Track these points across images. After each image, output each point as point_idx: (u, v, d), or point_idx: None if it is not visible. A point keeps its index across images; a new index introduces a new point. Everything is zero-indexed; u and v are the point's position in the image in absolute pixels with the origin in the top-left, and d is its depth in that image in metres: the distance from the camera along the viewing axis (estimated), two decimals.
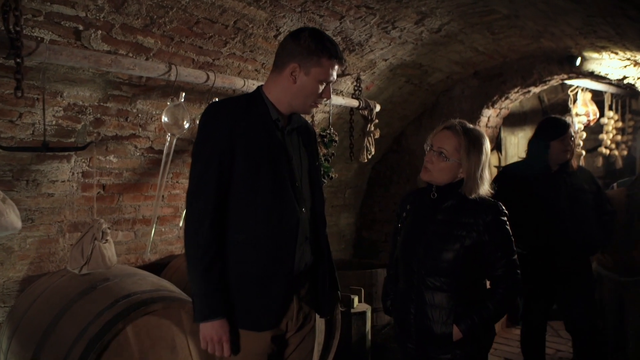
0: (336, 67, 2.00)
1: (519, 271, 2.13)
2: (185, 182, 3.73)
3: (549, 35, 3.80)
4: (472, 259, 2.11)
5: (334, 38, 3.37)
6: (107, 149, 3.19)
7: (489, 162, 2.22)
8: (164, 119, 2.70)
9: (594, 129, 6.47)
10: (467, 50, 4.17)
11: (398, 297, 2.29)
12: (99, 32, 2.55)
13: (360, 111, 4.15)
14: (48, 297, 2.62)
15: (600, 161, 6.28)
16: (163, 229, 3.80)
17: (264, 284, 1.95)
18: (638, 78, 4.19)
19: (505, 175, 3.56)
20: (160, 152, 3.25)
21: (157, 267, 3.73)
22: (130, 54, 2.75)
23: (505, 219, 2.14)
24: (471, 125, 2.20)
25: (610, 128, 6.17)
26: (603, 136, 6.20)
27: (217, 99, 3.06)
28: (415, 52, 3.96)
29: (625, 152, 6.33)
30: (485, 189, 2.16)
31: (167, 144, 2.85)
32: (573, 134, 3.32)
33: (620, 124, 6.33)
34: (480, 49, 4.21)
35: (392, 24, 3.36)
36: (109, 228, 2.66)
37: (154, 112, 3.19)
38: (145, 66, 2.59)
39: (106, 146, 3.17)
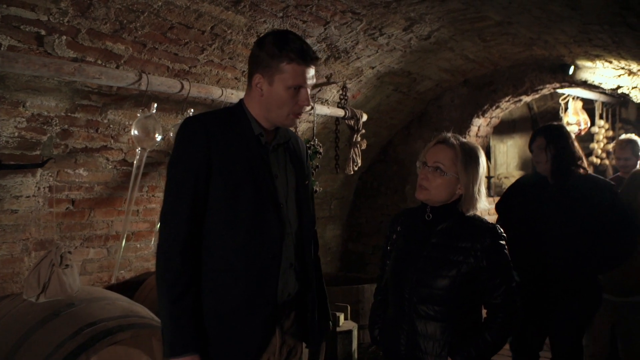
0: (305, 69, 1.79)
1: (518, 299, 1.96)
2: (161, 196, 3.52)
3: (542, 43, 3.67)
4: (469, 286, 1.93)
5: (318, 45, 3.25)
6: (77, 162, 2.99)
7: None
8: (134, 131, 2.51)
9: (585, 138, 6.38)
10: (457, 57, 4.03)
11: (387, 326, 2.11)
12: (64, 37, 2.36)
13: (346, 121, 3.98)
14: (5, 325, 2.41)
15: (591, 170, 6.17)
16: (138, 245, 3.60)
17: (242, 316, 1.77)
18: (632, 87, 4.08)
19: (509, 192, 3.30)
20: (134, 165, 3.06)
21: (131, 286, 3.54)
22: (99, 61, 2.56)
23: (504, 242, 1.98)
24: (464, 139, 2.05)
25: (601, 137, 6.09)
26: (594, 145, 6.12)
27: (192, 110, 2.89)
28: (404, 60, 3.81)
29: (614, 162, 6.23)
30: (483, 204, 2.00)
31: (137, 157, 2.65)
32: (556, 140, 2.97)
33: (610, 133, 6.26)
34: (471, 57, 4.08)
35: (379, 31, 3.21)
36: (69, 252, 2.45)
37: (127, 123, 3.00)
38: (113, 75, 2.40)
39: (75, 159, 2.97)
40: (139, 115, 2.59)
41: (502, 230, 1.99)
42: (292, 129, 2.33)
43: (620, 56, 3.61)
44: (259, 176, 1.79)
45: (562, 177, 2.92)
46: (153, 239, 3.42)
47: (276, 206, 1.83)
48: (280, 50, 1.75)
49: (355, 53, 3.48)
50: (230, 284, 1.76)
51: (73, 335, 2.24)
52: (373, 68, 3.82)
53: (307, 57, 1.78)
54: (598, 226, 2.80)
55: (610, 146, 6.21)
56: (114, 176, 3.20)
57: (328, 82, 3.74)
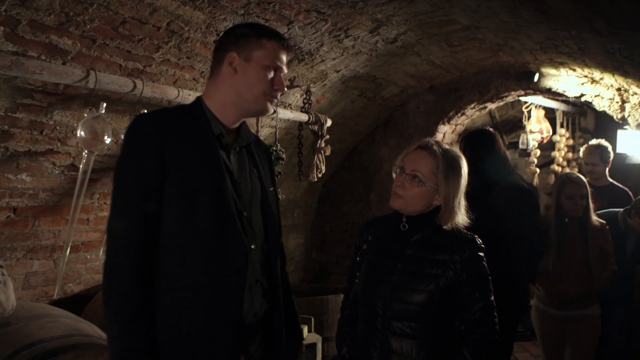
0: (283, 52, 1.69)
1: (496, 314, 1.86)
2: None
3: (509, 49, 3.64)
4: (447, 301, 1.81)
5: None
6: (18, 167, 2.76)
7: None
8: (80, 133, 2.31)
9: (546, 147, 6.46)
10: (423, 63, 3.97)
11: (357, 343, 1.97)
12: (1, 28, 2.15)
13: (310, 126, 3.86)
14: None
15: (552, 178, 6.25)
16: (89, 256, 3.38)
17: (202, 341, 1.58)
18: (595, 96, 4.10)
19: None
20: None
21: (81, 300, 3.31)
22: (44, 57, 2.36)
23: (483, 254, 1.86)
24: (448, 146, 1.92)
25: (562, 145, 6.17)
26: (555, 153, 6.20)
27: (145, 111, 2.71)
28: (370, 64, 3.72)
29: (576, 170, 6.32)
30: (462, 217, 1.88)
31: (84, 161, 2.45)
32: (471, 146, 2.84)
33: (571, 142, 6.36)
34: (437, 62, 4.02)
35: (345, 32, 3.10)
36: (1, 266, 2.22)
37: (75, 125, 2.78)
38: (57, 70, 2.20)
39: (17, 163, 2.74)
40: (85, 115, 2.39)
41: (480, 241, 1.88)
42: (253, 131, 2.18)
43: (584, 64, 3.61)
44: (219, 181, 1.61)
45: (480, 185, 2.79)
46: (102, 248, 3.20)
47: (240, 215, 1.65)
48: (259, 29, 1.67)
49: (320, 55, 3.36)
50: (189, 304, 1.57)
51: (8, 359, 2.03)
52: (338, 72, 3.72)
53: (284, 39, 1.70)
54: (502, 238, 2.60)
55: (581, 152, 6.30)
56: (61, 182, 2.98)
57: (291, 86, 3.61)
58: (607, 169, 4.09)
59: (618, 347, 3.67)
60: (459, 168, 1.86)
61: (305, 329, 3.77)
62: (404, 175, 1.86)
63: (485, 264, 1.86)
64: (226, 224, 1.60)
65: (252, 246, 1.67)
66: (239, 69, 1.65)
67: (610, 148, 4.67)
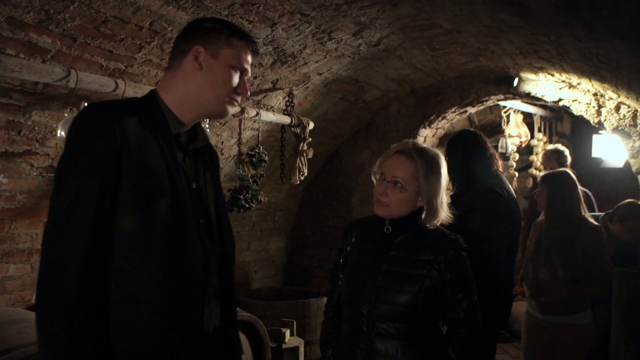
0: (250, 55, 1.60)
1: (479, 313, 1.87)
2: None
3: (489, 53, 3.68)
4: (432, 301, 1.82)
5: (265, 47, 3.09)
6: None
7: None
8: (61, 133, 2.27)
9: (524, 151, 6.55)
10: (405, 66, 3.99)
11: (341, 345, 1.96)
12: None
13: (292, 129, 3.85)
14: None
15: (530, 182, 6.34)
16: None
17: (162, 358, 1.44)
18: (572, 100, 4.16)
19: None
20: None
21: None
22: (22, 54, 2.31)
23: (466, 254, 1.88)
24: (424, 145, 1.93)
25: (539, 149, 6.25)
26: (533, 157, 6.28)
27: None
28: (352, 67, 3.73)
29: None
30: (444, 214, 1.89)
31: None
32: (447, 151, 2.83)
33: (548, 146, 6.43)
34: (419, 66, 4.05)
35: (328, 35, 3.10)
36: None
37: (55, 125, 2.73)
38: (37, 69, 2.15)
39: None
40: (66, 115, 2.34)
41: (463, 241, 1.89)
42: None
43: (562, 69, 3.67)
44: (177, 185, 1.47)
45: (457, 190, 2.79)
46: None
47: (198, 222, 1.53)
48: (230, 28, 1.57)
49: (303, 58, 3.36)
50: (145, 319, 1.41)
51: None
52: (321, 74, 3.71)
53: (254, 42, 1.61)
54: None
55: (539, 157, 6.42)
56: (39, 184, 2.92)
57: (274, 88, 3.60)
58: None
59: (600, 352, 3.72)
60: (439, 167, 1.87)
61: (287, 333, 3.75)
62: (385, 183, 1.86)
63: (468, 264, 1.87)
64: (184, 232, 1.47)
65: (211, 255, 1.56)
66: (204, 65, 1.53)
67: (567, 152, 4.84)
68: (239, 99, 1.60)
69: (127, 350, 1.40)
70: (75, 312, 1.30)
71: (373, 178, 1.93)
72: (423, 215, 1.87)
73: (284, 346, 3.67)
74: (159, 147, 1.45)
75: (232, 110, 1.65)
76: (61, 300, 1.30)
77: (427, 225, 1.87)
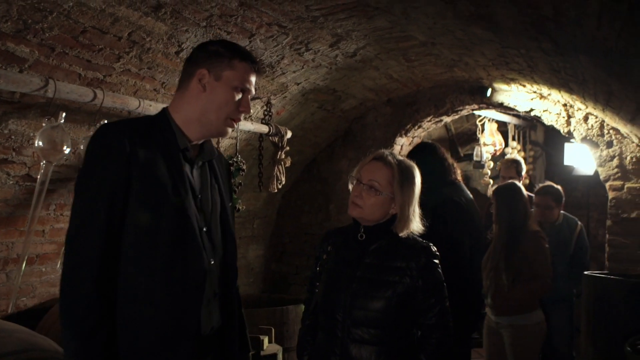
0: (252, 74, 1.71)
1: (450, 319, 1.93)
2: None
3: (463, 64, 3.77)
4: (404, 307, 1.88)
5: None
6: None
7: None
8: (38, 143, 2.28)
9: (498, 159, 6.67)
10: (381, 76, 4.07)
11: (317, 352, 2.00)
12: None
13: (270, 137, 3.89)
14: None
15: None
16: (44, 269, 3.29)
17: (162, 354, 1.58)
18: (543, 110, 4.29)
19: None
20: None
21: (35, 314, 3.21)
22: None
23: (438, 261, 1.94)
24: (401, 157, 2.00)
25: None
26: None
27: (105, 121, 2.68)
28: (329, 77, 3.79)
29: (527, 181, 6.56)
30: (417, 224, 1.95)
31: (42, 171, 2.41)
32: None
33: (522, 154, 6.59)
34: (395, 76, 4.13)
35: (305, 46, 3.15)
36: None
37: (32, 134, 2.73)
38: (14, 79, 2.16)
39: None
40: (44, 125, 2.35)
41: (435, 249, 1.96)
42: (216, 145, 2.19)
43: (533, 80, 3.78)
44: (182, 196, 1.62)
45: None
46: (59, 261, 3.13)
47: (201, 230, 1.67)
48: (233, 49, 1.68)
49: (281, 68, 3.41)
50: (148, 317, 1.58)
51: None
52: (298, 84, 3.77)
53: (256, 62, 1.71)
54: None
55: (497, 167, 6.58)
56: (16, 193, 2.91)
57: (252, 98, 3.63)
58: (521, 182, 4.39)
59: (559, 351, 3.84)
60: (413, 177, 1.94)
61: (265, 340, 3.77)
62: (361, 186, 1.93)
63: (440, 270, 1.94)
64: (187, 239, 1.61)
65: (212, 261, 1.69)
66: (207, 87, 1.65)
67: (522, 162, 5.07)
68: (240, 116, 1.73)
69: (131, 345, 1.56)
70: (89, 311, 1.49)
71: (350, 183, 2.00)
72: (396, 223, 1.93)
73: (262, 353, 3.68)
74: (166, 161, 1.60)
75: (231, 130, 1.76)
76: (76, 301, 1.49)
77: (400, 234, 1.93)
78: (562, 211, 3.92)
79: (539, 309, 3.28)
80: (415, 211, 1.94)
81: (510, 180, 3.74)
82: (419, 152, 3.07)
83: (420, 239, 1.97)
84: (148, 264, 1.57)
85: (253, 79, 1.71)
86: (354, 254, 1.97)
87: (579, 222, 3.86)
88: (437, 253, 1.95)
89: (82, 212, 1.55)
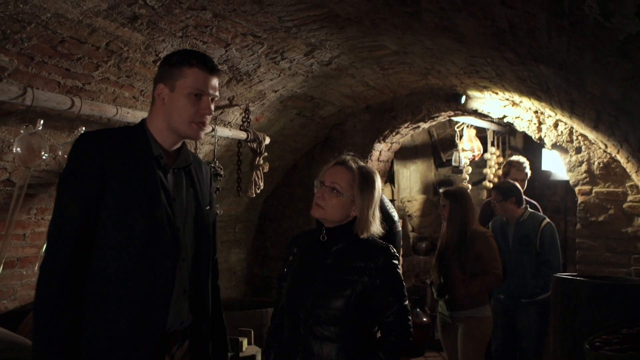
0: (207, 76, 1.78)
1: (410, 317, 2.03)
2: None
3: (436, 72, 3.88)
4: (364, 305, 1.97)
5: (220, 66, 3.20)
6: None
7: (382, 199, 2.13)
8: (17, 149, 2.35)
9: (479, 164, 6.79)
10: (358, 84, 4.17)
11: (282, 349, 2.09)
12: None
13: (249, 144, 3.98)
14: None
15: (484, 194, 6.58)
16: (24, 272, 3.35)
17: (127, 347, 1.68)
18: (516, 117, 4.41)
19: None
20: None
21: (15, 317, 3.26)
22: None
23: (397, 262, 2.04)
24: (362, 162, 2.10)
25: (492, 163, 6.50)
26: (487, 170, 6.53)
27: (84, 128, 2.76)
28: (306, 84, 3.89)
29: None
30: (376, 227, 2.05)
31: (21, 176, 2.48)
32: None
33: (501, 159, 6.70)
34: (371, 84, 4.23)
35: (281, 55, 3.25)
36: None
37: (12, 140, 2.79)
38: None
39: None
40: (22, 131, 2.43)
41: (395, 250, 2.06)
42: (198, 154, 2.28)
43: (504, 88, 3.90)
44: (154, 199, 1.73)
45: None
46: (37, 263, 3.19)
47: (173, 230, 1.77)
48: (183, 58, 1.78)
49: (258, 76, 3.50)
50: (116, 312, 1.68)
51: None
52: (276, 92, 3.86)
53: (208, 64, 1.79)
54: None
55: (501, 171, 6.67)
56: None
57: (230, 105, 3.73)
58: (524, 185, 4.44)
59: (527, 351, 3.94)
60: (373, 182, 2.04)
61: (245, 342, 3.85)
62: (324, 188, 2.03)
63: (399, 270, 2.03)
64: (157, 236, 1.72)
65: (182, 259, 1.79)
66: (166, 100, 1.77)
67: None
68: (205, 119, 1.81)
69: (97, 339, 1.66)
70: (55, 299, 1.61)
71: (315, 187, 2.10)
72: (355, 225, 2.03)
73: (241, 354, 3.76)
74: (139, 167, 1.73)
75: (203, 131, 1.86)
76: (46, 289, 1.63)
77: (361, 236, 2.03)
78: (531, 210, 3.99)
79: (488, 304, 3.57)
80: (375, 214, 2.04)
81: (460, 186, 4.07)
82: None
83: (380, 241, 2.07)
84: (118, 261, 1.69)
85: (210, 81, 1.79)
86: (317, 255, 2.07)
87: (547, 220, 3.88)
88: (397, 254, 2.05)
89: (60, 210, 1.69)
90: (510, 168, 4.50)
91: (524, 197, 3.99)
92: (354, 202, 2.01)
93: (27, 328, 3.10)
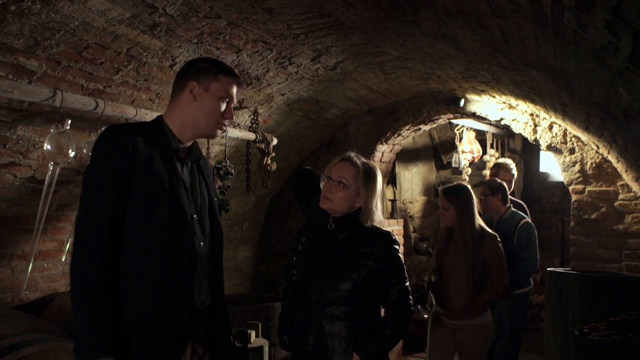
0: (234, 87, 2.01)
1: (411, 297, 2.22)
2: (71, 215, 3.51)
3: (436, 77, 4.07)
4: (369, 287, 2.17)
5: None
6: None
7: (384, 194, 2.33)
8: (47, 146, 2.54)
9: (479, 166, 6.96)
10: (361, 88, 4.35)
11: (295, 330, 2.28)
12: None
13: (257, 144, 4.17)
14: None
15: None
16: (45, 265, 3.53)
17: (158, 322, 1.85)
18: (512, 120, 4.59)
19: None
20: (44, 182, 3.04)
21: (37, 307, 3.43)
22: (10, 76, 2.57)
23: (398, 247, 2.24)
24: (365, 159, 2.31)
25: (492, 164, 6.64)
26: (486, 172, 6.67)
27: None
28: (312, 88, 4.07)
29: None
30: (379, 216, 2.25)
31: (50, 173, 2.67)
32: None
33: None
34: (374, 87, 4.42)
35: (288, 60, 3.44)
36: None
37: (37, 139, 2.99)
38: (27, 90, 2.43)
39: None
40: (52, 130, 2.62)
41: (395, 237, 2.25)
42: (203, 150, 2.47)
43: (501, 92, 4.08)
44: (175, 188, 1.90)
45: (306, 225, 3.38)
46: (64, 255, 3.37)
47: (192, 217, 1.95)
48: (218, 66, 1.98)
49: (266, 80, 3.69)
50: (146, 290, 1.84)
51: None
52: (283, 95, 4.05)
53: (237, 76, 2.01)
54: None
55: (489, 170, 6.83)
56: (21, 193, 3.16)
57: (240, 107, 3.92)
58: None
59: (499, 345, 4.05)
60: (375, 176, 2.24)
61: (252, 334, 4.02)
62: (331, 182, 2.23)
63: (400, 255, 2.24)
64: (180, 223, 1.90)
65: (202, 244, 1.98)
66: (197, 97, 1.95)
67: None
68: (226, 122, 2.04)
69: (131, 315, 1.82)
70: (95, 282, 1.75)
71: (322, 182, 2.30)
72: (360, 214, 2.23)
73: (249, 346, 3.93)
74: (161, 159, 1.89)
75: (220, 132, 2.08)
76: (84, 274, 1.75)
77: (365, 224, 2.23)
78: (514, 209, 4.12)
79: (489, 308, 3.34)
80: (378, 205, 2.24)
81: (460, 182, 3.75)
82: (306, 180, 3.67)
83: (382, 229, 2.27)
84: (146, 245, 1.84)
85: (235, 90, 2.02)
86: (324, 243, 2.27)
87: (525, 220, 3.98)
88: (397, 240, 2.25)
89: (91, 199, 1.81)
90: (499, 169, 4.67)
91: (509, 197, 4.17)
92: (359, 194, 2.20)
93: (49, 316, 3.29)
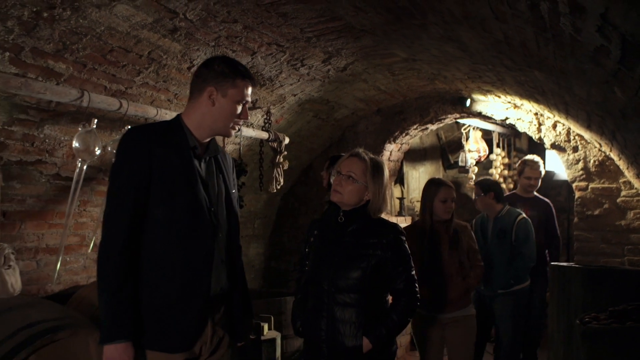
0: (250, 87, 2.14)
1: (417, 285, 2.36)
2: (93, 211, 3.66)
3: (442, 78, 4.19)
4: (377, 275, 2.31)
5: None
6: (10, 174, 3.09)
7: (391, 191, 2.47)
8: (75, 144, 2.70)
9: (485, 165, 7.06)
10: (370, 88, 4.49)
11: (308, 317, 2.42)
12: (7, 54, 2.51)
13: (270, 143, 4.31)
14: None
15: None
16: (68, 259, 3.68)
17: (179, 306, 1.98)
18: (517, 119, 4.70)
19: None
20: (68, 179, 3.19)
21: (61, 298, 3.57)
22: (40, 78, 2.73)
23: (404, 238, 2.37)
24: (372, 155, 2.45)
25: (498, 164, 6.77)
26: (492, 171, 6.79)
27: (128, 127, 3.10)
28: (323, 89, 4.21)
29: (512, 185, 6.95)
30: (387, 208, 2.39)
31: (77, 170, 2.82)
32: None
33: (507, 160, 6.98)
34: (383, 88, 4.55)
35: (301, 62, 3.58)
36: (13, 253, 2.57)
37: (63, 138, 3.15)
38: (57, 91, 2.59)
39: (9, 171, 3.07)
40: (80, 129, 2.77)
41: (401, 228, 2.39)
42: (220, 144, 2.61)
43: (505, 92, 4.20)
44: (193, 183, 2.05)
45: None
46: (91, 245, 3.51)
47: (209, 210, 2.09)
48: (234, 69, 2.09)
49: (279, 81, 3.83)
50: (168, 278, 1.98)
51: (12, 335, 2.37)
52: (295, 95, 4.19)
53: (253, 77, 2.15)
54: None
55: (507, 172, 6.93)
56: (47, 189, 3.31)
57: (254, 107, 4.07)
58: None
59: (504, 342, 4.14)
60: (382, 170, 2.38)
61: (265, 327, 4.15)
62: (341, 176, 2.36)
63: (406, 245, 2.37)
64: (198, 214, 2.04)
65: (219, 234, 2.12)
66: (216, 102, 2.09)
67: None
68: (241, 122, 2.19)
69: (153, 301, 1.97)
70: (119, 270, 1.91)
71: (332, 176, 2.44)
72: (369, 207, 2.36)
73: (262, 338, 4.06)
74: (179, 156, 2.04)
75: (234, 132, 2.23)
76: (109, 263, 1.91)
77: (373, 216, 2.37)
78: (509, 206, 4.20)
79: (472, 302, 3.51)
80: (385, 198, 2.38)
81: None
82: None
83: (389, 220, 2.41)
84: (167, 236, 1.99)
85: (250, 91, 2.16)
86: (335, 234, 2.40)
87: (523, 215, 4.08)
88: (404, 232, 2.39)
89: (116, 195, 1.98)
90: (525, 167, 4.59)
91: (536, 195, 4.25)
92: (367, 187, 2.34)
93: (73, 305, 3.44)
